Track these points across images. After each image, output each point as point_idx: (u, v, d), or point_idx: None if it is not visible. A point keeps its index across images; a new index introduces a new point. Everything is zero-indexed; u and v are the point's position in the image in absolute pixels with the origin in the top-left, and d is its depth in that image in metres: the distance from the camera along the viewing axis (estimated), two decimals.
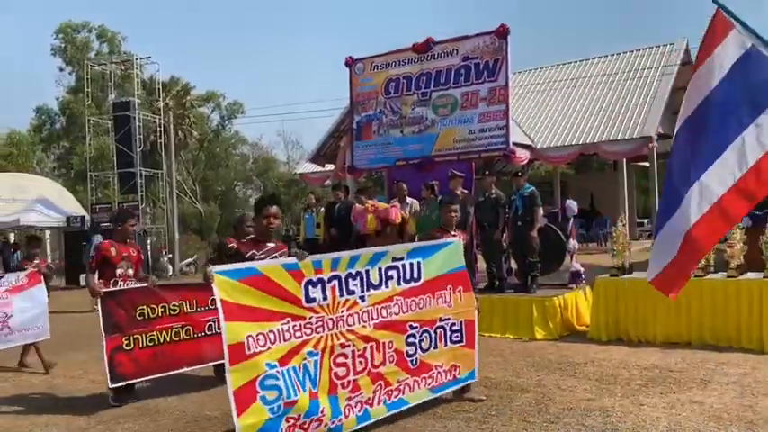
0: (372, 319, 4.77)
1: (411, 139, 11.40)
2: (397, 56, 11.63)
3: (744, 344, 7.00)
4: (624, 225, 8.68)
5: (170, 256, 24.53)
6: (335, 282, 4.59)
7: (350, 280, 4.67)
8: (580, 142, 16.77)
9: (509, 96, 10.63)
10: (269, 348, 4.15)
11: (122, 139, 23.23)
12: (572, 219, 10.41)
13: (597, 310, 8.20)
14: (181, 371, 6.24)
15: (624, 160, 17.73)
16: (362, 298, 4.72)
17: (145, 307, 5.95)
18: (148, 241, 22.33)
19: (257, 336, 4.13)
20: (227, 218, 41.31)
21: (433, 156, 11.12)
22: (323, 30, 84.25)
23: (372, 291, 4.79)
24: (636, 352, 7.15)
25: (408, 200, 10.21)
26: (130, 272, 6.17)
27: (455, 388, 5.39)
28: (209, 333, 6.20)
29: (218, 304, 4.07)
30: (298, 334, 4.35)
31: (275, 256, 4.85)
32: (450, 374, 5.29)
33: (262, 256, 4.85)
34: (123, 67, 28.46)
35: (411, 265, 5.09)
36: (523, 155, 13.29)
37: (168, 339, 6.05)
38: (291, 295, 4.36)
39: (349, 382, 4.59)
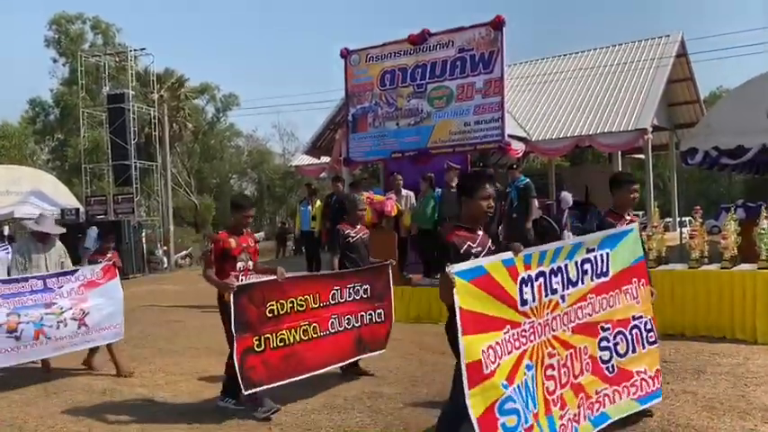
0: (570, 321, 4.05)
1: (407, 131, 11.40)
2: (393, 47, 11.61)
3: (737, 334, 7.04)
4: None
5: (165, 248, 24.50)
6: (541, 279, 3.85)
7: (553, 277, 3.95)
8: (575, 134, 16.74)
9: (504, 88, 10.64)
10: (498, 365, 3.40)
11: (117, 132, 23.13)
12: (567, 211, 10.44)
13: None
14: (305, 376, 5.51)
15: (619, 152, 17.73)
16: (563, 298, 4.00)
17: (274, 303, 5.26)
18: (143, 234, 22.29)
19: (488, 350, 3.37)
20: (222, 210, 41.29)
21: (429, 148, 11.13)
22: (318, 21, 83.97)
23: (571, 289, 4.06)
24: None
25: (404, 192, 10.21)
26: (251, 264, 5.51)
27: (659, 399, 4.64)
28: (332, 332, 5.68)
29: (457, 314, 3.26)
30: (517, 344, 3.60)
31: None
32: (656, 382, 4.57)
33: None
34: (117, 59, 28.32)
35: (601, 257, 4.33)
36: (518, 147, 13.27)
37: (297, 339, 5.40)
38: (510, 297, 3.61)
39: (558, 397, 3.88)
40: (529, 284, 3.72)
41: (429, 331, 8.42)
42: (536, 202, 9.34)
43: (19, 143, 40.53)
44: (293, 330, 5.36)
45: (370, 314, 6.02)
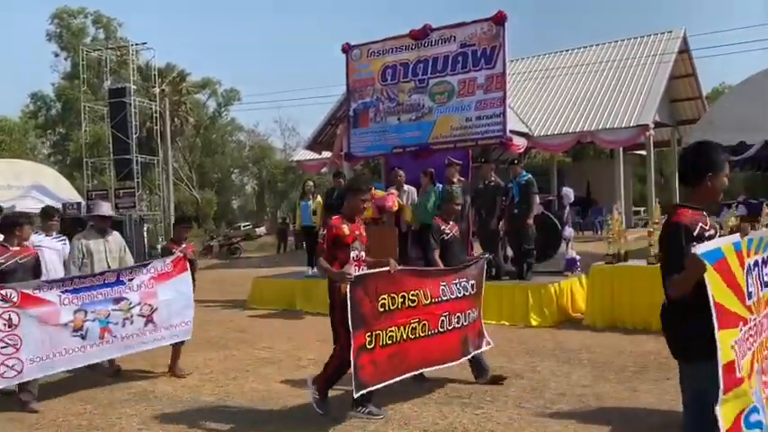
0: None
1: (408, 126, 11.38)
2: (394, 42, 11.57)
3: None
4: (620, 213, 8.71)
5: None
6: (756, 270, 3.16)
7: (765, 267, 3.27)
8: (577, 130, 16.75)
9: (506, 84, 10.61)
10: (742, 368, 2.84)
11: (118, 126, 23.11)
12: (568, 207, 10.43)
13: (592, 297, 8.24)
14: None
15: (621, 148, 17.74)
16: None
17: (386, 297, 4.82)
18: (145, 228, 22.30)
19: (735, 349, 2.82)
20: (223, 205, 41.30)
21: (430, 143, 11.11)
22: (320, 15, 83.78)
23: None
24: (631, 339, 7.19)
25: (405, 187, 10.20)
26: (363, 254, 5.07)
27: None
28: (441, 330, 5.22)
29: (711, 305, 2.70)
30: (748, 345, 2.97)
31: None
32: None
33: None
34: (119, 53, 28.30)
35: None
36: (520, 143, 13.28)
37: (405, 337, 4.94)
38: (739, 288, 2.93)
39: None
40: (753, 273, 3.07)
41: None
42: (537, 198, 9.33)
43: (19, 137, 40.52)
44: (403, 327, 4.93)
45: (473, 312, 5.61)
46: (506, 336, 7.77)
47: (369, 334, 4.67)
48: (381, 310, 4.78)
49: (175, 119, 35.06)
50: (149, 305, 5.94)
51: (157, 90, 28.09)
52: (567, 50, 20.98)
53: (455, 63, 10.88)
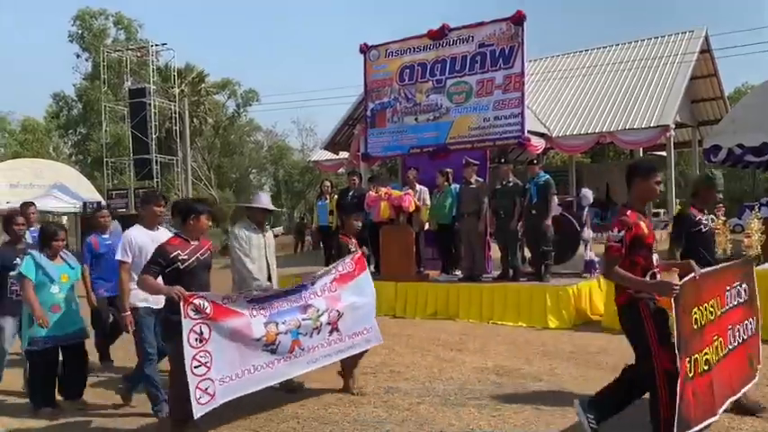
0: None
1: (425, 126, 11.35)
2: (412, 42, 11.56)
3: (763, 335, 6.92)
4: None
5: None
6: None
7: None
8: (596, 131, 16.60)
9: (524, 84, 10.55)
10: None
11: (138, 126, 23.38)
12: (587, 208, 10.33)
13: (611, 299, 8.14)
14: None
15: (641, 149, 17.56)
16: None
17: (697, 309, 3.86)
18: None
19: None
20: (240, 206, 41.57)
21: (448, 143, 11.07)
22: (337, 17, 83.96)
23: None
24: None
25: (418, 187, 10.17)
26: (656, 256, 4.10)
27: None
28: (731, 348, 4.27)
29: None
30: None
31: None
32: None
33: None
34: (139, 54, 28.58)
35: None
36: (538, 143, 13.17)
37: (715, 359, 3.99)
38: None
39: None
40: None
41: (446, 328, 8.41)
42: (556, 199, 9.26)
43: (42, 137, 41.12)
44: (711, 347, 3.97)
45: (751, 322, 4.63)
46: (524, 338, 7.73)
47: (688, 359, 3.75)
48: (695, 327, 3.85)
49: (194, 119, 35.35)
50: (337, 311, 5.22)
51: (177, 91, 28.36)
52: (587, 50, 20.81)
53: (473, 63, 10.84)
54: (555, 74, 19.59)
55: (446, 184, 9.91)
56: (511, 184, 9.22)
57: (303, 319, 4.97)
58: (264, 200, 5.81)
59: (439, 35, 11.22)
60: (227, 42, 78.42)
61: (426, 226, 10.19)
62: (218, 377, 4.42)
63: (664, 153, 18.91)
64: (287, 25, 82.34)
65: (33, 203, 7.34)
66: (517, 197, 9.07)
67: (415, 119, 11.46)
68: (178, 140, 27.40)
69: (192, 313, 4.32)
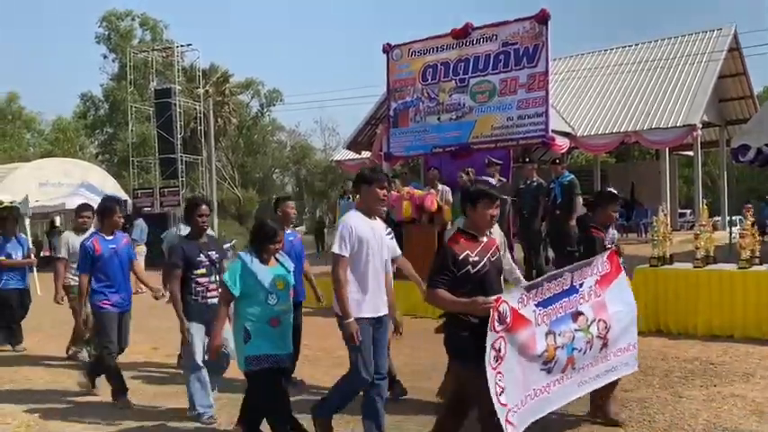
0: None
1: (448, 126, 11.33)
2: (436, 42, 11.54)
3: (756, 335, 6.82)
4: (665, 215, 8.49)
5: None
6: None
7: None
8: (621, 130, 16.40)
9: (549, 83, 10.48)
10: None
11: (164, 126, 23.66)
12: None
13: (636, 300, 8.02)
14: None
15: (667, 149, 17.32)
16: None
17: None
18: None
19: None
20: (263, 204, 41.83)
21: (470, 143, 11.04)
22: (361, 16, 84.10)
23: None
24: (676, 344, 7.02)
25: (440, 186, 10.16)
26: None
27: None
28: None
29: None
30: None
31: None
32: None
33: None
34: (165, 54, 28.92)
35: None
36: (563, 143, 13.07)
37: None
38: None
39: None
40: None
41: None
42: (580, 199, 9.18)
43: (72, 137, 41.85)
44: None
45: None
46: None
47: None
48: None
49: (219, 119, 35.66)
50: (603, 321, 4.12)
51: (201, 91, 28.62)
52: (612, 49, 20.59)
53: (497, 62, 10.80)
54: (579, 72, 19.42)
55: (468, 183, 9.88)
56: (535, 183, 9.17)
57: (576, 330, 3.95)
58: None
59: (462, 34, 11.19)
60: (251, 42, 79.01)
61: (449, 225, 10.16)
62: (509, 405, 3.47)
63: (690, 153, 18.64)
64: (311, 24, 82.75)
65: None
66: (541, 197, 9.02)
67: (438, 118, 11.45)
68: (203, 140, 27.66)
69: (497, 324, 3.43)
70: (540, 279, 3.95)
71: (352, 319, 4.07)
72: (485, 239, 3.70)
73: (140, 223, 14.79)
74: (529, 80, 10.46)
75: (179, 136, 23.86)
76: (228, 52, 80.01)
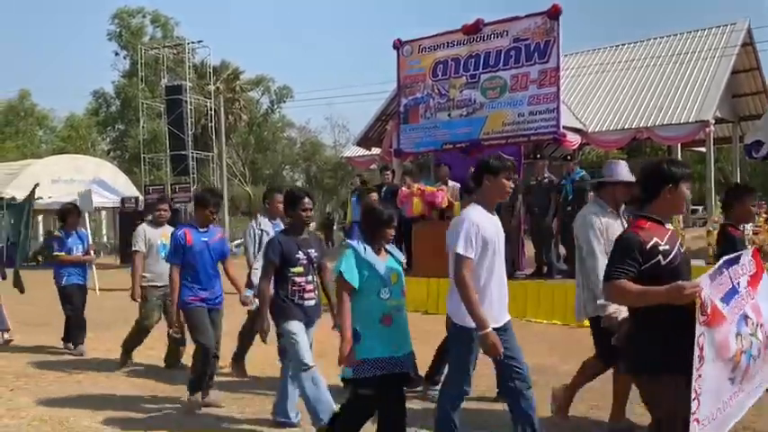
0: None
1: (459, 122, 11.30)
2: (446, 38, 11.51)
3: None
4: None
5: None
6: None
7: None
8: (633, 126, 16.30)
9: (560, 78, 10.43)
10: None
11: (174, 122, 23.74)
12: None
13: None
14: None
15: (679, 145, 17.19)
16: None
17: None
18: None
19: None
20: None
21: (481, 139, 11.01)
22: (369, 13, 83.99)
23: None
24: None
25: (451, 183, 10.14)
26: None
27: None
28: None
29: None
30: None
31: None
32: None
33: None
34: (176, 51, 29.00)
35: None
36: (574, 139, 13.00)
37: None
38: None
39: None
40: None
41: None
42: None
43: (84, 134, 42.15)
44: None
45: None
46: (558, 335, 7.66)
47: None
48: None
49: (229, 116, 35.75)
50: (762, 326, 3.42)
51: (212, 87, 28.70)
52: (623, 45, 20.44)
53: (507, 58, 10.75)
54: (591, 68, 19.30)
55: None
56: (546, 180, 9.14)
57: (749, 335, 3.32)
58: (623, 171, 4.61)
59: (473, 30, 11.15)
60: (261, 38, 79.16)
61: None
62: (701, 416, 2.92)
63: (703, 149, 18.50)
64: (321, 21, 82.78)
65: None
66: (552, 194, 8.98)
67: (448, 114, 11.42)
68: (213, 137, 27.74)
69: (701, 316, 2.91)
70: (717, 265, 3.18)
71: (489, 329, 3.55)
72: (671, 228, 3.16)
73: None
74: (540, 76, 10.41)
75: (190, 133, 23.93)
76: (239, 49, 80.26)
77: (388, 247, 3.92)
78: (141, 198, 22.02)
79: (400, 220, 9.70)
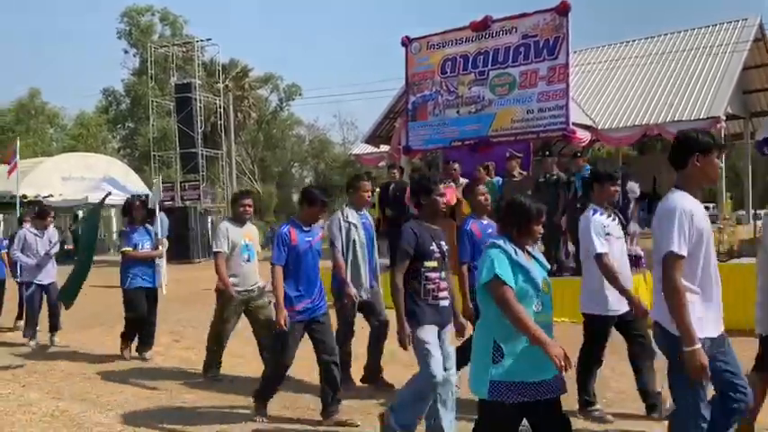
0: None
1: (467, 119, 11.28)
2: (455, 34, 11.49)
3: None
4: None
5: None
6: None
7: None
8: (643, 123, 16.20)
9: (569, 75, 10.38)
10: None
11: (184, 120, 23.83)
12: (633, 201, 10.12)
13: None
14: None
15: None
16: None
17: None
18: (209, 220, 22.94)
19: None
20: (283, 198, 42.06)
21: (490, 136, 10.99)
22: (377, 10, 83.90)
23: None
24: None
25: (461, 180, 10.11)
26: None
27: None
28: None
29: None
30: None
31: None
32: None
33: None
34: (185, 49, 29.09)
35: None
36: (584, 135, 12.95)
37: None
38: None
39: None
40: None
41: None
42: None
43: (95, 132, 42.39)
44: None
45: None
46: (567, 333, 7.59)
47: None
48: None
49: (238, 113, 35.86)
50: None
51: (221, 85, 28.77)
52: (634, 40, 20.32)
53: (516, 54, 10.72)
54: (601, 65, 19.20)
55: (487, 177, 9.83)
56: (555, 177, 9.10)
57: None
58: None
59: (482, 26, 11.13)
60: (271, 36, 79.27)
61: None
62: None
63: None
64: (330, 18, 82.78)
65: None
66: (561, 190, 8.94)
67: (457, 111, 11.40)
68: (222, 134, 27.82)
69: None
70: None
71: (698, 346, 2.92)
72: None
73: (162, 217, 14.93)
74: (549, 72, 10.38)
75: (199, 130, 24.03)
76: (247, 47, 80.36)
77: (529, 249, 3.25)
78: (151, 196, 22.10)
79: (409, 217, 9.70)
